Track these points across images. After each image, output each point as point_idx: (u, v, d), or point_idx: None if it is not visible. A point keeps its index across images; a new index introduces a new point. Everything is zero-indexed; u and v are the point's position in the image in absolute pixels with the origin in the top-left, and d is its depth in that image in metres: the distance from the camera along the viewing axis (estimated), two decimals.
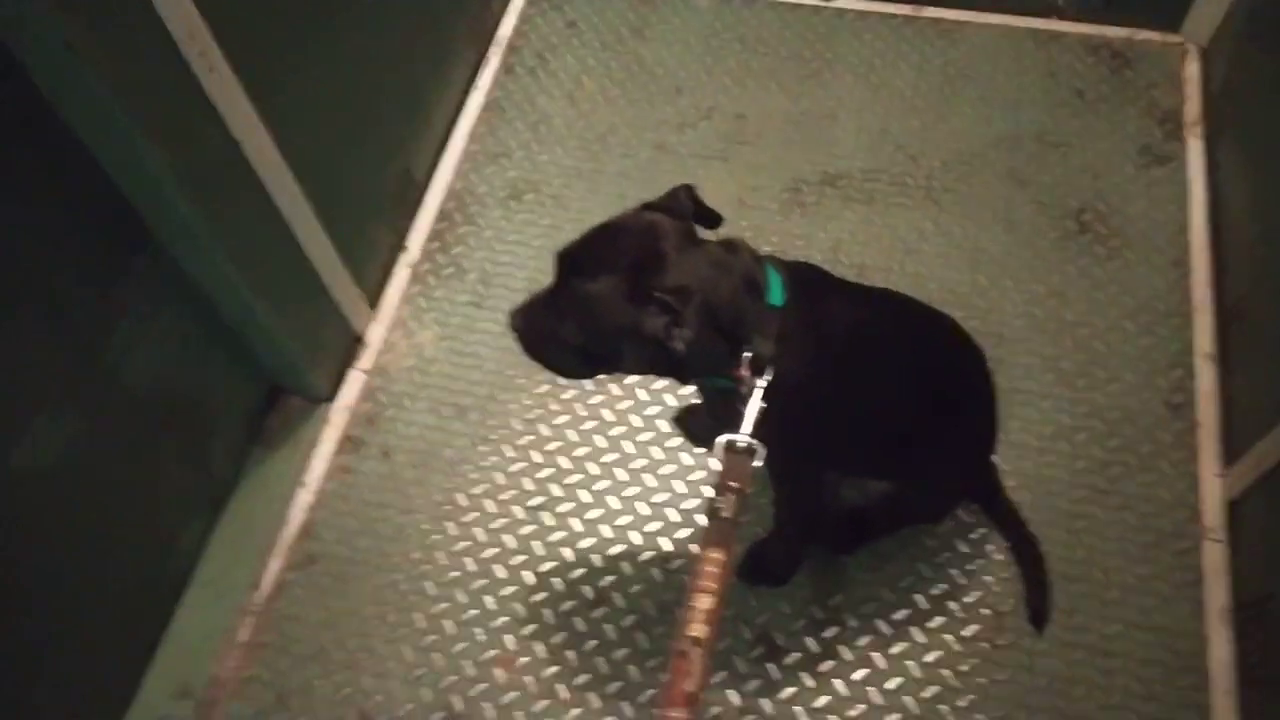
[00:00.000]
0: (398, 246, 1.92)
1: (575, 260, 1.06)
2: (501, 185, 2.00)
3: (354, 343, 1.78)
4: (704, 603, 0.88)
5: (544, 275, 1.82)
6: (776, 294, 1.07)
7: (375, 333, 1.80)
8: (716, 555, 0.92)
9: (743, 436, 1.01)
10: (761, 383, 1.03)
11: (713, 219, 1.13)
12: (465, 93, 2.14)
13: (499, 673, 1.43)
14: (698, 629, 0.87)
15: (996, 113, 1.99)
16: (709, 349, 1.03)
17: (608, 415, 1.67)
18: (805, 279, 1.14)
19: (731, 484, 0.98)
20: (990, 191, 1.88)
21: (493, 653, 1.45)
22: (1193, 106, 1.96)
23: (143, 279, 1.35)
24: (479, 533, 1.56)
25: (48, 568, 1.24)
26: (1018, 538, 1.44)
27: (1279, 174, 1.59)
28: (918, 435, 1.24)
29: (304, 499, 1.60)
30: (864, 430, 1.20)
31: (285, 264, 1.51)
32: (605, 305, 1.01)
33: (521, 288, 1.84)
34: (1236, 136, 1.80)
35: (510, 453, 1.64)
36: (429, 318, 1.82)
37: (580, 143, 2.04)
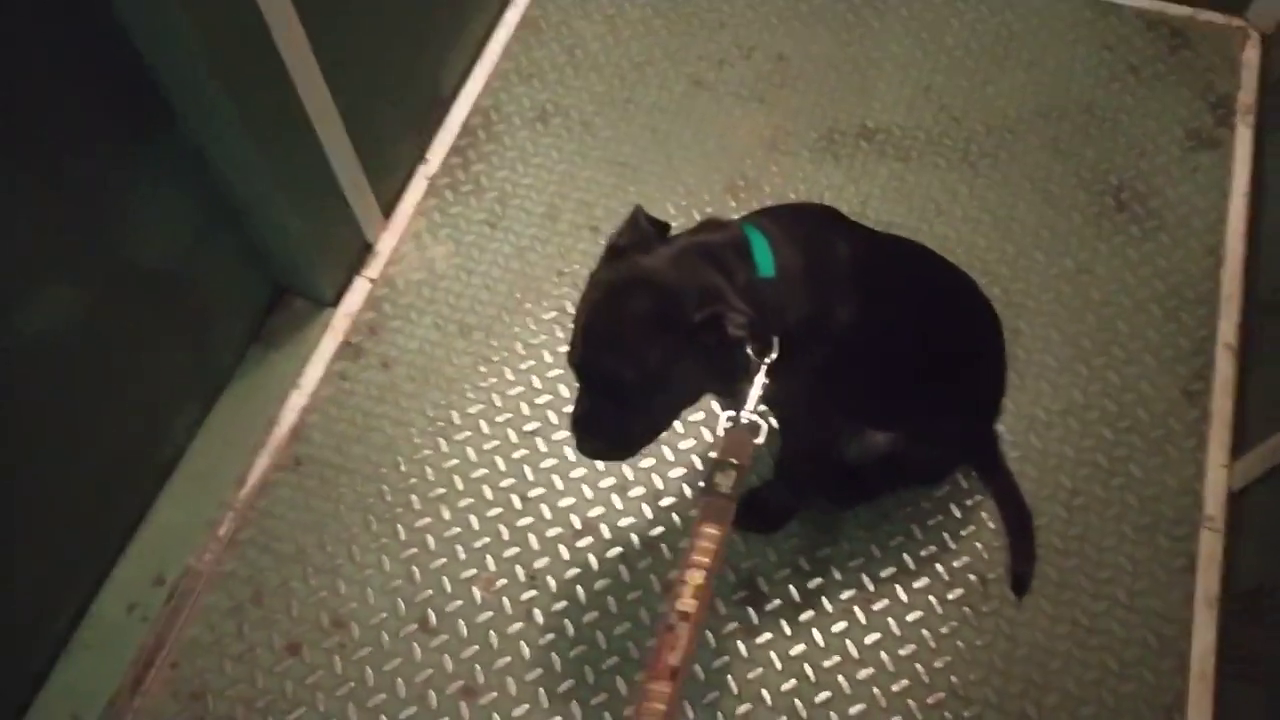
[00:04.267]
0: (418, 157, 1.88)
1: (599, 358, 0.98)
2: (531, 106, 1.95)
3: (364, 249, 1.75)
4: (696, 578, 0.87)
5: (562, 201, 1.82)
6: (765, 263, 1.03)
7: (386, 242, 1.77)
8: (712, 531, 0.90)
9: (747, 413, 0.98)
10: (766, 361, 1.00)
11: (663, 230, 1.06)
12: (503, 7, 2.08)
13: (477, 592, 1.42)
14: (687, 604, 0.85)
15: (1046, 81, 1.93)
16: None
17: None
18: (809, 229, 1.11)
19: (733, 460, 0.95)
20: (1030, 160, 1.82)
21: (472, 571, 1.44)
22: (1248, 93, 1.89)
23: (161, 157, 1.32)
24: (471, 452, 1.54)
25: (37, 435, 1.23)
26: (1012, 506, 1.42)
27: None
28: (928, 384, 1.21)
29: (298, 401, 1.59)
30: (876, 375, 1.17)
31: (304, 157, 1.47)
32: (667, 370, 0.96)
33: (540, 212, 1.80)
34: None
35: (510, 376, 1.62)
36: (443, 233, 1.79)
37: (615, 70, 1.99)
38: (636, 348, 0.95)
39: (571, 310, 1.66)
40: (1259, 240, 1.69)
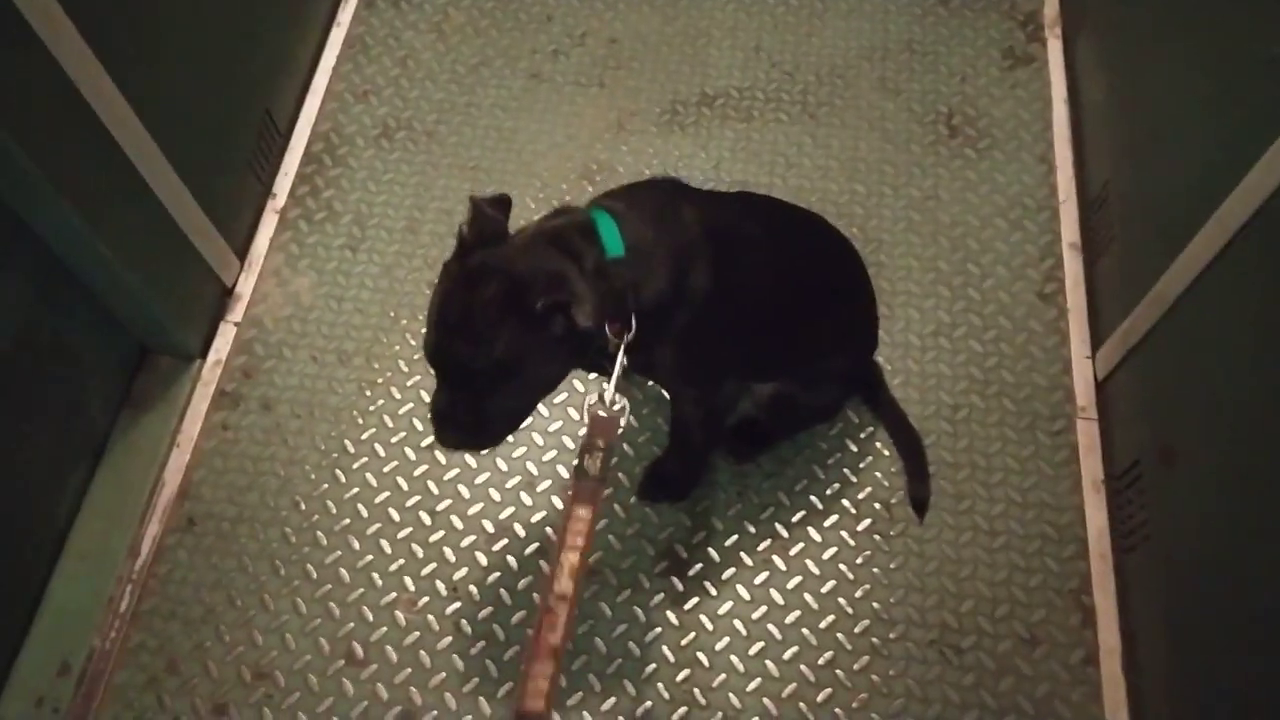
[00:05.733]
0: (264, 193, 1.82)
1: (451, 346, 0.98)
2: (372, 124, 1.92)
3: (223, 295, 1.69)
4: (571, 559, 0.90)
5: (420, 214, 1.80)
6: (614, 243, 1.04)
7: (246, 283, 1.72)
8: (583, 513, 0.93)
9: (610, 395, 1.01)
10: (624, 340, 1.03)
11: (506, 208, 1.07)
12: (326, 29, 2.04)
13: (400, 615, 1.40)
14: (564, 585, 0.88)
15: (865, 25, 2.00)
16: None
17: None
18: (655, 202, 1.13)
19: (599, 443, 0.98)
20: (864, 102, 1.90)
21: (392, 595, 1.42)
22: (1051, 7, 2.01)
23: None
24: (370, 478, 1.52)
25: None
26: (901, 431, 1.48)
27: (1131, 69, 1.64)
28: (800, 331, 1.25)
29: (180, 460, 1.53)
30: (748, 331, 1.20)
31: (138, 214, 1.42)
32: (518, 356, 0.97)
33: (400, 228, 1.78)
34: (1091, 35, 1.85)
35: (398, 394, 1.60)
36: (303, 264, 1.75)
37: (451, 76, 1.97)
38: (487, 335, 0.95)
39: None
40: (1082, 141, 1.80)
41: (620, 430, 1.01)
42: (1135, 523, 1.37)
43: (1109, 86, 1.75)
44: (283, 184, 1.84)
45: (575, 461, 0.99)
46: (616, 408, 1.01)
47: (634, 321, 1.03)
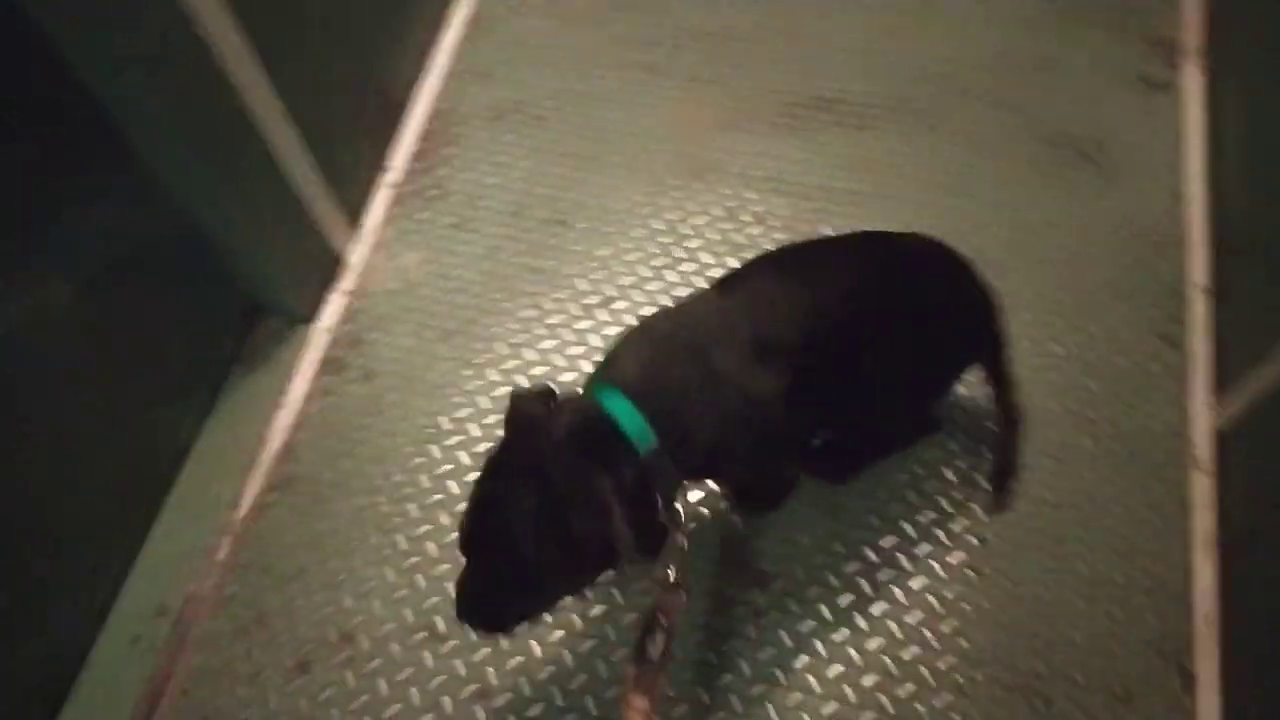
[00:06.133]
0: (379, 166, 1.86)
1: (484, 545, 0.97)
2: (486, 105, 1.94)
3: (335, 264, 1.73)
4: None
5: (527, 198, 1.81)
6: (642, 434, 0.98)
7: (357, 254, 1.75)
8: (641, 704, 0.90)
9: (673, 575, 1.00)
10: (680, 529, 1.01)
11: (547, 399, 1.03)
12: (448, 8, 2.06)
13: None
14: None
15: (993, 37, 1.94)
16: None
17: (594, 341, 1.64)
18: (669, 350, 1.05)
19: (662, 621, 0.96)
20: (985, 118, 1.84)
21: None
22: (1192, 34, 1.92)
23: (124, 190, 1.30)
24: (463, 456, 1.54)
25: (24, 476, 1.21)
26: (1005, 407, 1.39)
27: (1277, 104, 1.56)
28: (887, 380, 1.19)
29: (284, 420, 1.57)
30: (830, 399, 1.16)
31: (263, 177, 1.46)
32: (550, 567, 0.94)
33: (507, 211, 1.79)
34: (1235, 66, 1.76)
35: (495, 376, 1.61)
36: (413, 239, 1.78)
37: (567, 63, 1.98)
38: (521, 546, 0.92)
39: (548, 306, 1.67)
40: (1220, 179, 1.71)
41: (684, 610, 1.00)
42: (1248, 590, 1.31)
43: (1252, 123, 1.66)
44: (399, 159, 1.87)
45: (635, 643, 0.96)
46: (676, 583, 0.99)
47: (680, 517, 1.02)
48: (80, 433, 1.31)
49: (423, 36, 1.99)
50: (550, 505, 0.92)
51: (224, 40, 1.27)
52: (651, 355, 1.05)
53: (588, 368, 1.60)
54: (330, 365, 1.63)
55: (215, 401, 1.59)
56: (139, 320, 1.40)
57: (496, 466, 0.98)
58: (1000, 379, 1.38)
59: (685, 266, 1.70)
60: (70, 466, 1.29)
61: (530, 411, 1.00)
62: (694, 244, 1.73)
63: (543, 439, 0.97)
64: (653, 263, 1.71)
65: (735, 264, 1.21)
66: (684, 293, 1.65)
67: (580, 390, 1.06)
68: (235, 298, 1.62)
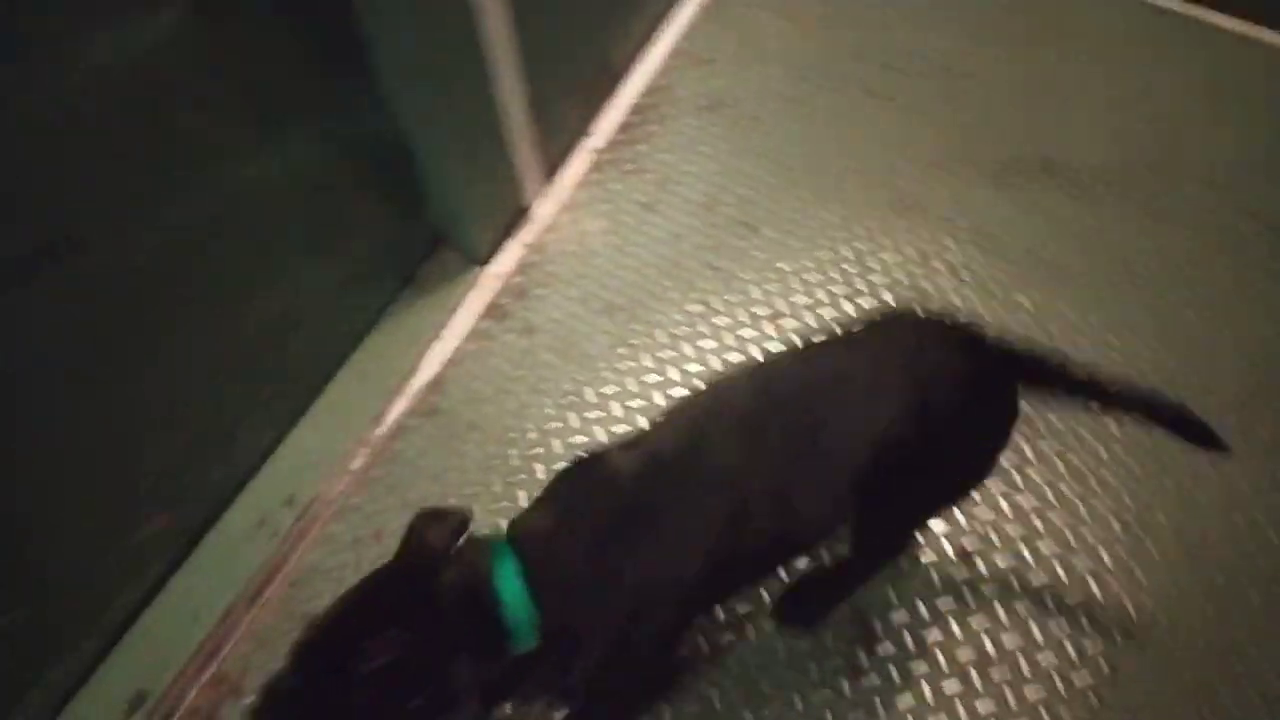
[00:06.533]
0: (584, 129, 1.87)
1: (315, 673, 0.85)
2: (702, 93, 1.93)
3: (520, 214, 1.76)
4: None
5: (721, 193, 1.78)
6: (522, 631, 0.88)
7: (544, 209, 1.77)
8: None
9: None
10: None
11: (455, 529, 0.93)
12: None
13: None
14: None
15: (1258, 135, 1.79)
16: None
17: (754, 351, 1.60)
18: (598, 512, 0.92)
19: None
20: (1226, 221, 1.70)
21: None
22: None
23: (348, 93, 1.35)
24: (599, 431, 1.54)
25: (195, 334, 1.28)
26: (1136, 401, 1.05)
27: None
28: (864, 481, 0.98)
29: (440, 352, 1.61)
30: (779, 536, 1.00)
31: (476, 107, 1.45)
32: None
33: (698, 201, 1.78)
34: None
35: (648, 362, 1.60)
36: (600, 208, 1.78)
37: (792, 67, 1.94)
38: (357, 698, 0.83)
39: (717, 306, 1.64)
40: None
41: None
42: None
43: None
44: (605, 127, 1.88)
45: None
46: None
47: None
48: (253, 304, 1.36)
49: (656, 10, 1.99)
50: (401, 671, 0.83)
51: None
52: (581, 515, 0.92)
53: None
54: (495, 311, 1.66)
55: (380, 318, 1.64)
56: (334, 217, 1.44)
57: (370, 591, 0.88)
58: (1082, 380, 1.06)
59: (864, 300, 1.65)
60: (236, 331, 1.35)
61: (429, 544, 0.91)
62: (878, 279, 1.67)
63: (421, 592, 0.87)
64: (832, 288, 1.66)
65: (920, 310, 1.10)
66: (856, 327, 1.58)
67: (503, 529, 0.95)
68: (422, 225, 1.66)
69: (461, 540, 0.93)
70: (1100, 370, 1.04)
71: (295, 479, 1.48)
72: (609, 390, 1.57)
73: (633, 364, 1.60)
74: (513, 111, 1.54)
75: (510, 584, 0.88)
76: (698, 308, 1.66)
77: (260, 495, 1.46)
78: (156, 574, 1.37)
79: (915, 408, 0.96)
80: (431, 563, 0.89)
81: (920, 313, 1.08)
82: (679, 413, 1.00)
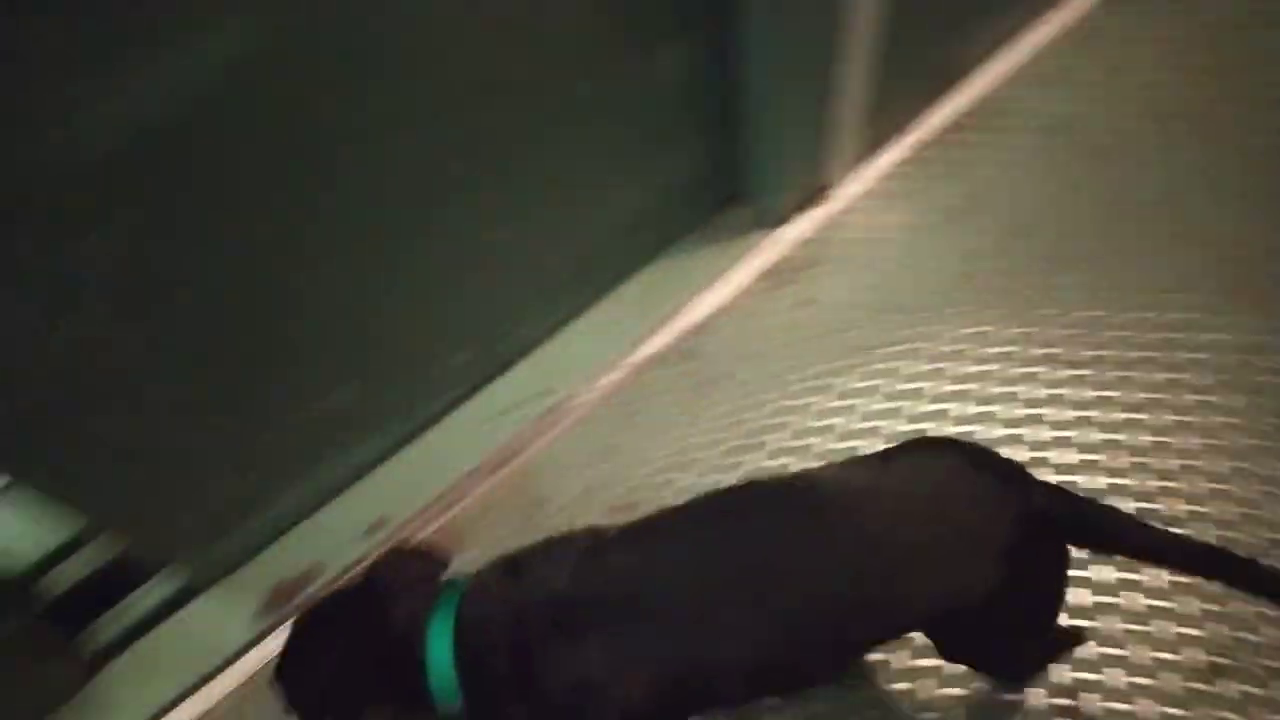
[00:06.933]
0: (907, 123, 1.83)
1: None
2: (1045, 114, 1.82)
3: (823, 187, 1.75)
4: None
5: (1035, 222, 1.67)
6: (444, 686, 0.85)
7: (848, 189, 1.76)
8: None
9: None
10: None
11: (423, 569, 0.94)
12: (1051, 6, 1.93)
13: None
14: None
15: None
16: None
17: (1020, 396, 1.52)
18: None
19: None
20: None
21: None
22: None
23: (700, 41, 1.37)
24: (839, 424, 1.52)
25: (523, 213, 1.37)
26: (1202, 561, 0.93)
27: None
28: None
29: (711, 300, 1.64)
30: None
31: (817, 69, 1.44)
32: None
33: (1010, 223, 1.70)
34: None
35: (906, 372, 1.57)
36: (901, 204, 1.74)
37: (1158, 109, 1.79)
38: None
39: (996, 338, 1.57)
40: None
41: None
42: None
43: None
44: (933, 123, 1.82)
45: None
46: None
47: None
48: (560, 211, 1.43)
49: (1012, 22, 1.90)
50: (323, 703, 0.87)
51: None
52: (533, 593, 0.87)
53: (981, 431, 1.49)
54: (775, 275, 1.67)
55: (661, 254, 1.68)
56: (648, 145, 1.47)
57: (336, 613, 0.92)
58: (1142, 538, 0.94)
59: (1188, 376, 1.51)
60: (545, 230, 1.43)
61: (392, 581, 0.92)
62: (1205, 358, 1.50)
63: (373, 629, 0.88)
64: (1150, 353, 1.50)
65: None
66: (1139, 411, 1.47)
67: (476, 573, 0.93)
68: (721, 177, 1.67)
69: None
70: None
71: (553, 375, 1.57)
72: (859, 386, 1.55)
73: (890, 368, 1.57)
74: (849, 87, 1.53)
75: (438, 644, 0.86)
76: (971, 330, 1.59)
77: (521, 382, 1.56)
78: (404, 432, 1.50)
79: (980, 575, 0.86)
80: (391, 594, 0.90)
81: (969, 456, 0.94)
82: (697, 509, 0.92)
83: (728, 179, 1.68)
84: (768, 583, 0.85)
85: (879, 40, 1.47)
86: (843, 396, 1.54)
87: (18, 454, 1.02)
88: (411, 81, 1.06)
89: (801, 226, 1.72)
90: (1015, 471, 0.93)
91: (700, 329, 1.62)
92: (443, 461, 1.48)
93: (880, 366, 1.57)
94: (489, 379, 1.56)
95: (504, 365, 1.56)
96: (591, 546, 0.90)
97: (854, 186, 1.76)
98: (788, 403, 1.54)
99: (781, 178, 1.64)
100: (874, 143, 1.78)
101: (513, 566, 0.91)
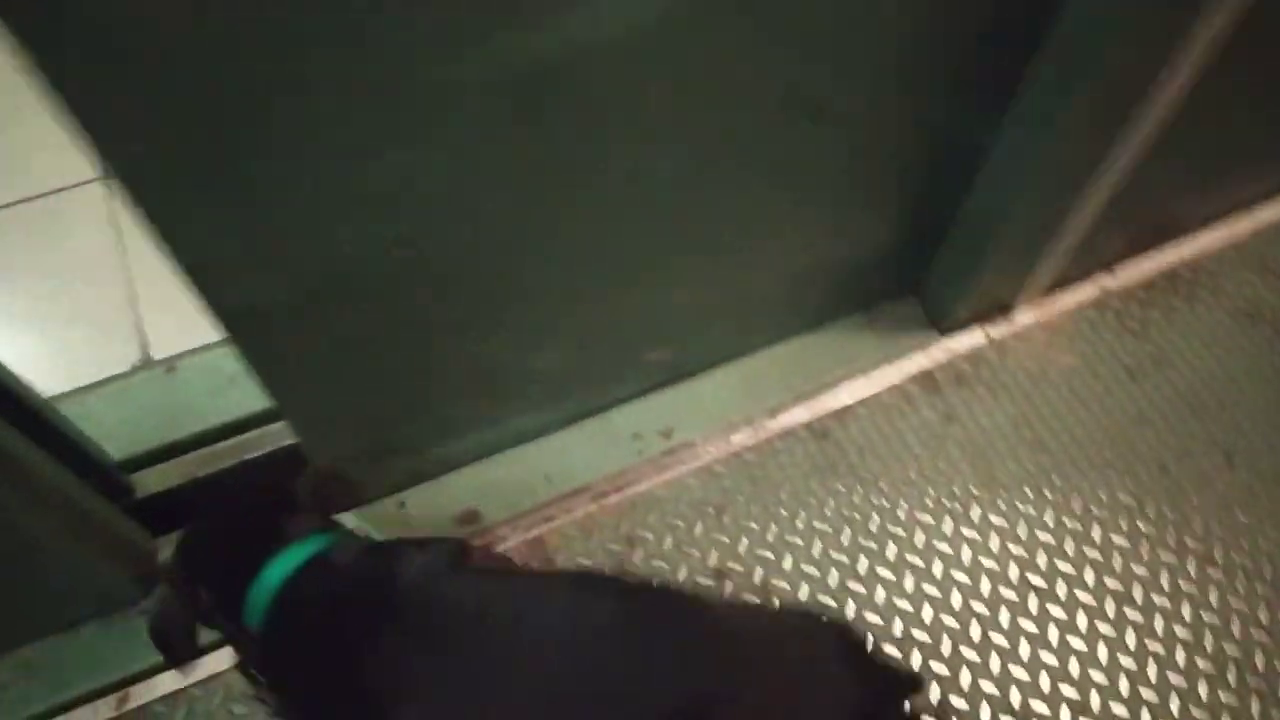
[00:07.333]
0: (1106, 265, 1.74)
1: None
2: (1248, 297, 1.72)
3: (1002, 309, 1.67)
4: None
5: (1218, 406, 1.55)
6: (262, 584, 0.88)
7: (1028, 316, 1.67)
8: None
9: None
10: None
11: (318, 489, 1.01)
12: None
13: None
14: None
15: None
16: None
17: (1142, 586, 1.42)
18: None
19: None
20: None
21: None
22: None
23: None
24: (964, 552, 1.44)
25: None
26: None
27: None
28: None
29: (859, 387, 1.57)
30: None
31: (1056, 187, 1.35)
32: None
33: (1189, 400, 1.59)
34: None
35: (1047, 520, 1.47)
36: (1081, 346, 1.65)
37: None
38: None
39: (1149, 511, 1.47)
40: None
41: None
42: None
43: None
44: (1133, 271, 1.73)
45: None
46: None
47: None
48: (732, 257, 1.37)
49: (1244, 194, 1.80)
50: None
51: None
52: (362, 588, 0.89)
53: (1089, 608, 1.40)
54: (928, 381, 1.59)
55: (821, 324, 1.62)
56: (855, 205, 1.39)
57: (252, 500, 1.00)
58: None
59: None
60: (722, 272, 1.38)
61: (304, 499, 0.98)
62: None
63: (255, 527, 0.94)
64: None
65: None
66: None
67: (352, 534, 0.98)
68: (909, 262, 1.59)
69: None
70: None
71: (682, 417, 1.52)
72: (992, 521, 1.46)
73: (1024, 512, 1.48)
74: (1072, 221, 1.45)
75: (278, 569, 0.88)
76: (1119, 499, 1.49)
77: (650, 411, 1.51)
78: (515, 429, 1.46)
79: None
80: (292, 507, 0.96)
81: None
82: (588, 586, 0.91)
83: (911, 268, 1.62)
84: (603, 697, 0.77)
85: (1120, 182, 1.39)
86: (978, 525, 1.46)
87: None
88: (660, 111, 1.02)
89: (971, 339, 1.64)
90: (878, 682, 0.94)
91: (841, 414, 1.55)
92: (558, 468, 1.44)
93: (1015, 505, 1.48)
94: (619, 402, 1.51)
95: (641, 391, 1.52)
96: (456, 565, 0.89)
97: (1034, 315, 1.67)
98: (918, 516, 1.46)
99: (968, 285, 1.56)
100: (1067, 277, 1.69)
101: (380, 548, 0.93)
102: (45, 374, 1.22)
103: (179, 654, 0.96)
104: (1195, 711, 1.31)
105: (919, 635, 1.36)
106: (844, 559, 1.42)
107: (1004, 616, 1.38)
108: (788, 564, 1.41)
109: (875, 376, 1.59)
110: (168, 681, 1.21)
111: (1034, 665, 1.34)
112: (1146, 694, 1.33)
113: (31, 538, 1.08)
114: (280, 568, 0.88)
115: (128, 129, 0.73)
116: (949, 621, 1.37)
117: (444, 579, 0.85)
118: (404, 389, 1.22)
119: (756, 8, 0.95)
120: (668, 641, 0.81)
